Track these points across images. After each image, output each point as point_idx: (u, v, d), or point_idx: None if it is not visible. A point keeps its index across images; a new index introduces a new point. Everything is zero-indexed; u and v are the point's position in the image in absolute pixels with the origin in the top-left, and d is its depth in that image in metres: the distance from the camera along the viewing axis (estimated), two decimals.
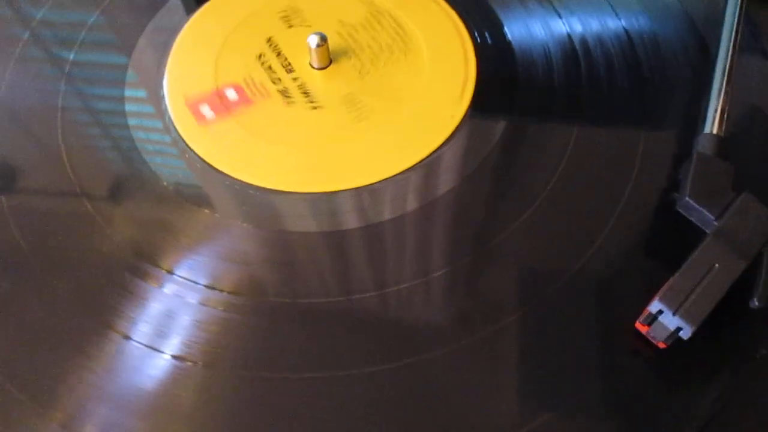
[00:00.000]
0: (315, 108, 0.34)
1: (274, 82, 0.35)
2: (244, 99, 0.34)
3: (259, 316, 0.28)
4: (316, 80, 0.35)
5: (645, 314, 0.26)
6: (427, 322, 0.28)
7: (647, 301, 0.26)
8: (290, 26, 0.37)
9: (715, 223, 0.27)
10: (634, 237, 0.30)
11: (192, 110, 0.34)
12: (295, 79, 0.35)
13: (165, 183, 0.32)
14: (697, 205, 0.28)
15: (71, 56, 0.37)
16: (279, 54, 0.36)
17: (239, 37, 0.37)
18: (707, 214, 0.28)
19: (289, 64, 0.36)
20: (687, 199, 0.28)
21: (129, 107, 0.35)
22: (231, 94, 0.35)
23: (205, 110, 0.34)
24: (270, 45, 0.36)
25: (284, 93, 0.35)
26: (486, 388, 0.26)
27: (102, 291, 0.28)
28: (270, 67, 0.35)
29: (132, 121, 0.34)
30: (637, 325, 0.27)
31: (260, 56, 0.36)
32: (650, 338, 0.26)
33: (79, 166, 0.33)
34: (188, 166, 0.33)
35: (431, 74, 0.35)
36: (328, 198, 0.31)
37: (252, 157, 0.33)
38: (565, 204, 0.31)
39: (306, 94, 0.35)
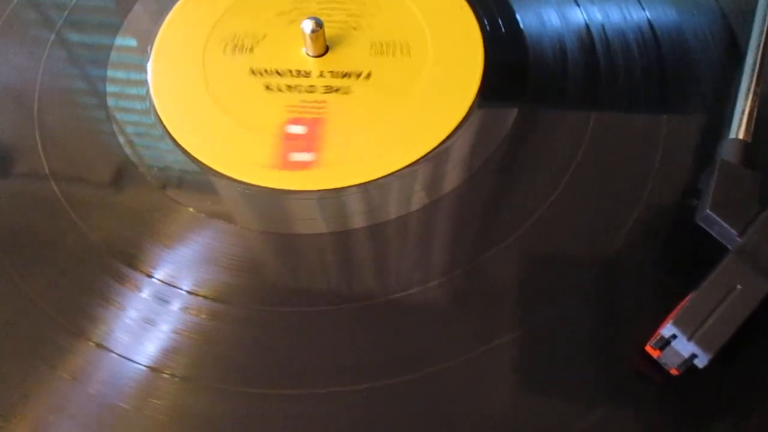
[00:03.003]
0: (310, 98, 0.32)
1: (310, 91, 0.32)
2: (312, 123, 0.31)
3: (245, 325, 0.26)
4: (310, 69, 0.33)
5: (656, 337, 0.24)
6: (430, 333, 0.26)
7: (660, 320, 0.24)
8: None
9: (738, 240, 0.25)
10: (650, 248, 0.28)
11: (287, 167, 0.30)
12: (292, 71, 0.33)
13: (148, 178, 0.30)
14: (718, 219, 0.26)
15: (53, 34, 0.35)
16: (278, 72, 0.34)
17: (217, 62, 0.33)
18: (729, 229, 0.26)
19: (298, 71, 0.33)
20: (708, 211, 0.26)
21: (111, 96, 0.33)
22: (297, 129, 0.31)
23: (300, 156, 0.30)
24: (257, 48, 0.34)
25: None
26: (482, 407, 0.24)
27: (75, 294, 0.27)
28: (288, 87, 0.33)
29: (115, 109, 0.32)
30: (648, 348, 0.25)
31: (252, 71, 0.33)
32: (662, 364, 0.24)
33: (55, 154, 0.31)
34: (172, 160, 0.31)
35: (437, 63, 0.33)
36: (329, 196, 0.29)
37: (244, 151, 0.31)
38: (575, 208, 0.29)
39: (300, 85, 0.32)
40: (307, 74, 0.33)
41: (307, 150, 0.30)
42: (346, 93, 0.32)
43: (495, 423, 0.24)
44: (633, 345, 0.25)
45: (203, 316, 0.26)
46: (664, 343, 0.24)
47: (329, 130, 0.31)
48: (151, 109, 0.32)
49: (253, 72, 0.33)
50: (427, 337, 0.26)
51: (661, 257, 0.27)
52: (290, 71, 0.33)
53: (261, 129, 0.31)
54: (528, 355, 0.25)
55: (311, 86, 0.32)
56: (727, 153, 0.28)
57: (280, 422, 0.24)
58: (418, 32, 0.34)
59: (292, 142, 0.31)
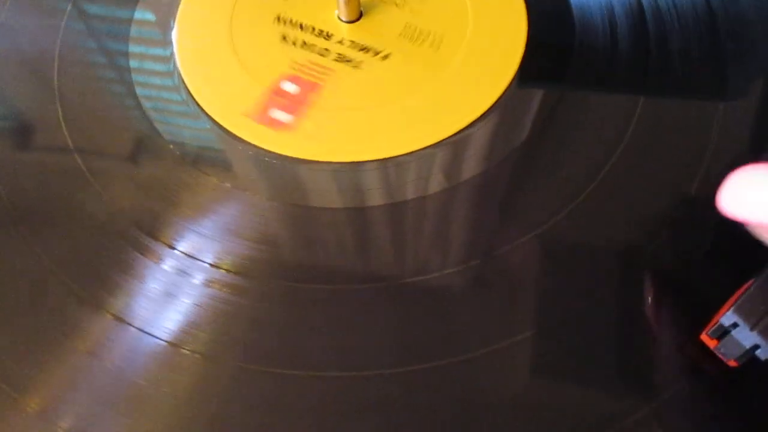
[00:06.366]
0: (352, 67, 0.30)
1: (322, 54, 0.31)
2: (307, 85, 0.30)
3: (270, 301, 0.25)
4: (343, 35, 0.31)
5: (714, 326, 0.22)
6: (459, 320, 0.24)
7: (717, 308, 0.23)
8: None
9: None
10: (707, 230, 0.26)
11: (263, 121, 0.29)
12: (328, 38, 0.31)
13: (171, 146, 0.29)
14: None
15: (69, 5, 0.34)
16: (301, 26, 0.32)
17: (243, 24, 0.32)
18: None
19: (321, 31, 0.32)
20: None
21: (133, 63, 0.32)
22: (289, 87, 0.30)
23: (279, 115, 0.29)
24: (283, 21, 0.32)
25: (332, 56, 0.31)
26: (522, 399, 0.23)
27: (94, 265, 0.26)
28: (304, 43, 0.31)
29: (138, 77, 0.31)
30: (703, 337, 0.23)
31: (284, 38, 0.32)
32: (719, 354, 0.22)
33: (76, 124, 0.30)
34: (198, 128, 0.30)
35: (474, 36, 0.31)
36: (353, 169, 0.28)
37: None
38: (624, 188, 0.27)
39: (315, 45, 0.31)
40: (328, 36, 0.31)
41: (289, 111, 0.29)
42: (355, 67, 0.30)
43: (534, 413, 0.22)
44: (686, 334, 0.23)
45: (225, 290, 0.25)
46: (723, 333, 0.22)
47: (320, 98, 0.29)
48: (175, 74, 0.31)
49: (278, 19, 0.32)
50: (458, 320, 0.24)
51: (719, 243, 0.26)
52: (313, 29, 0.31)
53: (261, 77, 0.30)
54: (572, 345, 0.24)
55: (325, 50, 0.31)
56: None
57: (298, 403, 0.23)
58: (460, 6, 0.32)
59: (278, 99, 0.29)
